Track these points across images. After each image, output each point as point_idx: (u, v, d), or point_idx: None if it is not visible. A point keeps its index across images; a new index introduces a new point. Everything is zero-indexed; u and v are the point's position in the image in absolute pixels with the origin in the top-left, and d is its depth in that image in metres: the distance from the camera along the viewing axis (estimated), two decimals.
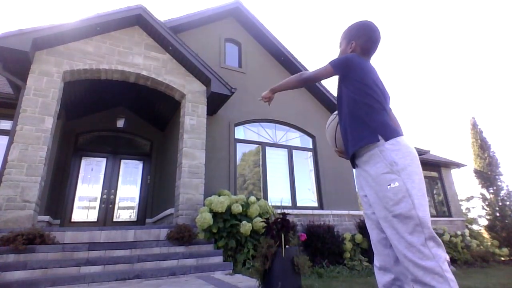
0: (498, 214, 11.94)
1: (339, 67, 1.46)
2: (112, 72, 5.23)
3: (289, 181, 6.85)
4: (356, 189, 7.90)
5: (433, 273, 1.06)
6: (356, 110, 1.38)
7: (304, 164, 7.35)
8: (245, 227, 4.42)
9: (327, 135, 1.73)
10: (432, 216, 9.98)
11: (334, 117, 1.67)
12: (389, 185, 1.19)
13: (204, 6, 10.12)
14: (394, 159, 1.22)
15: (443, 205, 10.71)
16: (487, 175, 12.66)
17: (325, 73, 1.49)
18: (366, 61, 1.53)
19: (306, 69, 7.83)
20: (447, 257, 1.12)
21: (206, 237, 4.38)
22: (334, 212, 6.84)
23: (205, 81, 5.81)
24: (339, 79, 1.51)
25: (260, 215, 4.78)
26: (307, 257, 2.91)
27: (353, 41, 1.61)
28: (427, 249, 1.09)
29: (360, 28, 1.60)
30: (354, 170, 1.50)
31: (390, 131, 1.30)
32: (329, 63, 1.49)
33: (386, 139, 1.28)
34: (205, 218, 4.31)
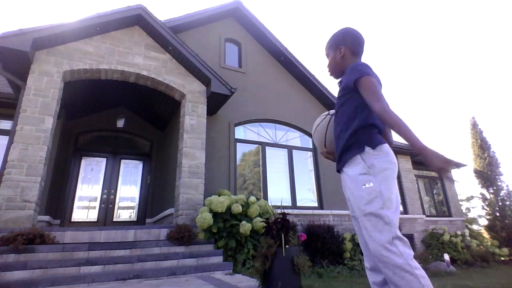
0: (498, 214, 11.95)
1: (375, 76, 1.44)
2: (112, 72, 5.24)
3: (289, 181, 6.84)
4: None
5: (404, 271, 1.09)
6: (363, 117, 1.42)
7: (304, 164, 7.35)
8: (245, 227, 4.42)
9: (316, 135, 1.69)
10: (432, 216, 10.00)
11: (324, 117, 1.66)
12: (364, 185, 1.25)
13: (204, 6, 10.13)
14: (373, 163, 1.28)
15: (443, 205, 10.71)
16: (487, 175, 12.67)
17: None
18: None
19: (306, 69, 7.83)
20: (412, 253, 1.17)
21: (206, 237, 4.37)
22: (334, 212, 6.84)
23: (205, 81, 5.81)
24: (353, 86, 1.42)
25: (260, 215, 4.78)
26: (307, 257, 2.91)
27: (341, 46, 1.59)
28: (395, 247, 1.13)
29: (345, 33, 1.61)
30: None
31: (377, 140, 1.35)
32: (368, 75, 1.37)
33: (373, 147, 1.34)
34: (205, 218, 4.31)
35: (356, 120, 1.38)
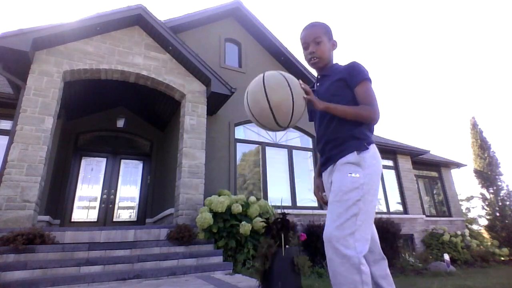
0: (498, 214, 11.95)
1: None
2: (112, 72, 5.24)
3: (289, 181, 6.84)
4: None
5: (350, 263, 1.11)
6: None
7: (304, 164, 7.35)
8: (245, 227, 4.42)
9: (279, 95, 1.25)
10: (432, 216, 9.99)
11: (279, 77, 1.31)
12: (351, 173, 1.26)
13: (204, 6, 10.14)
14: (365, 157, 1.30)
15: (443, 205, 10.70)
16: (487, 175, 12.67)
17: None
18: None
19: (306, 69, 7.83)
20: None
21: (206, 237, 4.37)
22: None
23: (205, 81, 5.81)
24: (350, 84, 1.41)
25: (260, 215, 4.78)
26: (307, 257, 2.90)
27: (333, 41, 1.56)
28: (352, 239, 1.14)
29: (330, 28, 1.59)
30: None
31: (371, 138, 1.40)
32: (367, 79, 1.38)
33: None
34: (205, 218, 4.31)
35: (346, 120, 1.37)
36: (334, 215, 1.21)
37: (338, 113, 1.33)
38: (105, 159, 7.31)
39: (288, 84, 1.27)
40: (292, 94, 1.26)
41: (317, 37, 1.49)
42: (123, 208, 7.15)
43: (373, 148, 1.36)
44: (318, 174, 1.63)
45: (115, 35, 5.39)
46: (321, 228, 5.85)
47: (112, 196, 7.03)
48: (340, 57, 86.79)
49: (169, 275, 3.43)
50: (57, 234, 3.77)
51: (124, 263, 3.54)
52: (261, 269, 2.75)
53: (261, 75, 1.32)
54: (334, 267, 1.15)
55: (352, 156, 1.31)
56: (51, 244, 3.55)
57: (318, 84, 1.55)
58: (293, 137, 7.42)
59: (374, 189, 1.28)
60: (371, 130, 1.42)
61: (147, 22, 5.50)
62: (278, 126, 1.31)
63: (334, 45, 1.55)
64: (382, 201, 9.14)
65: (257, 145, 6.81)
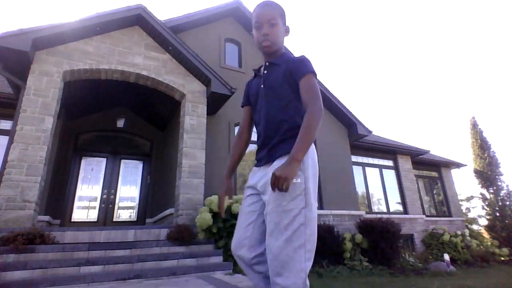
0: (498, 214, 11.94)
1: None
2: (112, 72, 5.24)
3: None
4: (356, 189, 7.92)
5: (299, 276, 1.04)
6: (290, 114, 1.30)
7: None
8: None
9: None
10: (432, 216, 10.00)
11: None
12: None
13: (204, 6, 10.15)
14: (303, 160, 1.18)
15: (443, 205, 10.71)
16: (487, 175, 12.66)
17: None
18: None
19: None
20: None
21: (206, 237, 4.37)
22: (334, 212, 6.84)
23: (205, 81, 5.81)
24: (295, 77, 1.30)
25: None
26: None
27: (287, 26, 1.43)
28: (302, 251, 1.07)
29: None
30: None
31: None
32: (312, 73, 1.29)
33: None
34: (205, 218, 4.31)
35: (295, 112, 1.28)
36: (280, 228, 1.09)
37: (307, 147, 1.15)
38: (105, 159, 7.31)
39: None
40: None
41: (272, 19, 1.34)
42: (123, 208, 7.15)
43: (311, 147, 1.23)
44: (229, 175, 1.49)
45: (115, 35, 5.39)
46: (321, 228, 5.86)
47: (112, 196, 7.03)
48: (340, 57, 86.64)
49: (169, 275, 3.43)
50: (57, 234, 3.77)
51: (124, 263, 3.54)
52: None
53: None
54: (282, 282, 1.05)
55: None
56: (51, 244, 3.55)
57: (266, 71, 1.39)
58: None
59: (315, 192, 1.19)
60: None
61: (147, 22, 5.50)
62: None
63: (287, 31, 1.44)
64: (382, 201, 9.14)
65: (257, 145, 6.80)
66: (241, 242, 1.28)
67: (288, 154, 1.13)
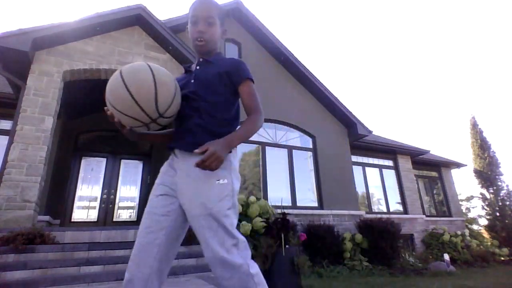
0: (498, 214, 11.95)
1: None
2: (112, 72, 5.23)
3: (289, 181, 6.85)
4: (356, 189, 7.92)
5: (241, 272, 1.04)
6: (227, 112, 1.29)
7: (304, 164, 7.35)
8: (245, 227, 4.42)
9: (136, 85, 1.07)
10: (432, 216, 10.01)
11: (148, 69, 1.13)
12: (219, 180, 1.11)
13: None
14: (230, 159, 1.17)
15: (443, 205, 10.71)
16: (487, 175, 12.66)
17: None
18: None
19: (306, 69, 7.83)
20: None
21: None
22: (334, 212, 6.84)
23: None
24: (233, 79, 1.30)
25: (260, 215, 4.78)
26: (307, 257, 2.91)
27: (224, 28, 1.42)
28: (235, 249, 1.07)
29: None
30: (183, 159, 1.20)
31: None
32: (251, 79, 1.32)
33: None
34: None
35: (229, 112, 1.28)
36: (211, 232, 1.06)
37: (243, 139, 1.17)
38: (105, 159, 7.31)
39: (150, 68, 1.12)
40: (153, 76, 1.10)
41: (210, 17, 1.32)
42: (123, 208, 7.14)
43: (235, 150, 1.24)
44: (141, 135, 1.33)
45: (115, 35, 5.39)
46: (321, 228, 5.86)
47: (112, 196, 7.02)
48: (340, 57, 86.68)
49: (169, 275, 3.42)
50: (57, 234, 3.77)
51: (124, 263, 3.54)
52: (261, 269, 2.75)
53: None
54: (227, 283, 1.04)
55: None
56: (51, 244, 3.55)
57: (198, 67, 1.35)
58: (293, 137, 7.43)
59: (237, 192, 1.18)
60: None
61: (147, 22, 5.50)
62: (146, 115, 1.09)
63: (224, 32, 1.43)
64: (382, 201, 9.15)
65: (257, 145, 6.81)
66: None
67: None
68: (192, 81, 1.29)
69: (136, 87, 1.06)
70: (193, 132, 1.20)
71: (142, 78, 1.09)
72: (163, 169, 1.28)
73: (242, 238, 1.11)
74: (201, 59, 1.36)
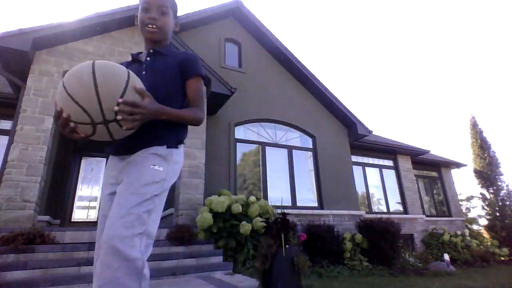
0: (498, 214, 11.94)
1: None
2: None
3: (289, 181, 6.85)
4: (356, 189, 7.92)
5: (133, 267, 0.94)
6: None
7: (304, 164, 7.35)
8: (245, 227, 4.42)
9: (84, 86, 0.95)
10: (432, 216, 10.01)
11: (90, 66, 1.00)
12: (154, 165, 1.11)
13: (204, 6, 10.15)
14: (172, 153, 1.18)
15: (443, 205, 10.71)
16: (487, 175, 12.65)
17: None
18: None
19: (306, 69, 7.83)
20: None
21: (206, 237, 4.37)
22: (334, 212, 6.84)
23: (205, 81, 5.81)
24: (184, 73, 1.28)
25: (260, 215, 4.78)
26: (307, 257, 2.92)
27: (177, 21, 1.41)
28: (139, 240, 0.99)
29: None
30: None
31: (184, 138, 1.30)
32: (202, 76, 1.31)
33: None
34: (205, 218, 4.31)
35: (181, 104, 1.26)
36: (123, 210, 0.99)
37: (173, 119, 1.15)
38: (105, 159, 7.31)
39: (128, 74, 1.04)
40: (127, 81, 1.01)
41: (163, 6, 1.29)
42: None
43: (182, 148, 1.26)
44: None
45: (115, 35, 5.39)
46: (321, 228, 5.86)
47: None
48: (340, 57, 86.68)
49: (169, 275, 3.43)
50: (57, 234, 3.77)
51: None
52: (261, 269, 2.75)
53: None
54: (110, 274, 0.91)
55: (161, 149, 1.15)
56: (51, 244, 3.55)
57: (148, 58, 1.30)
58: (293, 137, 7.43)
59: (169, 188, 1.17)
60: (187, 128, 1.30)
61: None
62: (101, 110, 0.95)
63: (177, 25, 1.42)
64: (382, 201, 9.15)
65: (257, 145, 6.81)
66: None
67: (154, 148, 1.14)
68: (144, 72, 1.26)
69: (104, 78, 0.96)
70: (145, 124, 1.12)
71: (116, 74, 1.00)
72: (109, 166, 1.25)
73: (151, 233, 1.04)
74: (151, 50, 1.31)
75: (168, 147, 1.17)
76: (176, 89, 1.25)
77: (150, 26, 1.27)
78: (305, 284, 3.24)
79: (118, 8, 5.27)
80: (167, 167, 1.15)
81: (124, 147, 1.18)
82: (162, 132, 1.18)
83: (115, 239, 0.94)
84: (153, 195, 1.07)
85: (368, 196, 8.89)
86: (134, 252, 0.95)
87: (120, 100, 0.96)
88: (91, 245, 3.69)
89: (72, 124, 0.96)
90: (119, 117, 0.97)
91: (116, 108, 0.95)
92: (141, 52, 1.38)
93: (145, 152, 1.14)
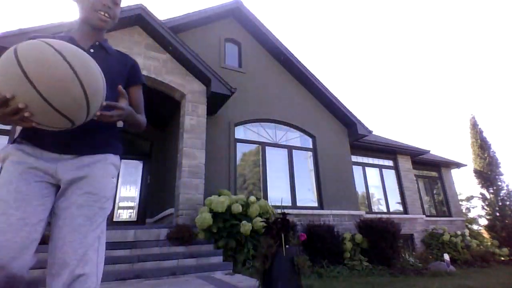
0: (498, 214, 11.94)
1: None
2: None
3: (289, 181, 6.85)
4: (356, 189, 7.92)
5: (92, 278, 0.97)
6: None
7: (304, 164, 7.35)
8: (245, 227, 4.42)
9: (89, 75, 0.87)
10: (432, 216, 10.01)
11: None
12: (113, 178, 1.12)
13: (204, 6, 10.15)
14: (118, 165, 1.17)
15: (443, 205, 10.71)
16: (487, 175, 12.65)
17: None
18: None
19: (306, 69, 7.83)
20: None
21: (206, 237, 4.37)
22: (334, 212, 6.84)
23: (205, 81, 5.81)
24: (131, 78, 1.28)
25: (260, 215, 4.78)
26: (307, 257, 2.91)
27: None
28: (103, 251, 1.04)
29: None
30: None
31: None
32: (144, 84, 1.34)
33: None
34: (205, 218, 4.31)
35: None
36: (94, 225, 1.00)
37: (133, 121, 1.15)
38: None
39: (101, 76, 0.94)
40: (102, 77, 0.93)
41: None
42: (123, 208, 7.15)
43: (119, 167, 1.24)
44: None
45: (115, 35, 5.39)
46: (321, 228, 5.86)
47: None
48: (340, 57, 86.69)
49: (169, 275, 3.43)
50: None
51: (124, 263, 3.54)
52: (261, 269, 2.75)
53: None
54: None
55: (116, 159, 1.14)
56: None
57: (92, 50, 1.19)
58: (293, 137, 7.43)
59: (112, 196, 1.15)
60: None
61: (147, 22, 5.50)
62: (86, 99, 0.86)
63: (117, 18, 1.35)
64: (382, 201, 9.15)
65: (257, 145, 6.81)
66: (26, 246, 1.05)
67: (113, 152, 1.13)
68: None
69: (82, 67, 0.86)
70: (95, 130, 1.09)
71: (93, 66, 0.91)
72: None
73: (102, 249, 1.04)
74: (97, 43, 1.21)
75: (120, 157, 1.18)
76: (116, 92, 1.15)
77: (103, 13, 1.16)
78: (305, 284, 3.24)
79: None
80: (115, 179, 1.15)
81: (69, 146, 1.05)
82: (115, 141, 1.17)
83: (89, 251, 0.97)
84: (108, 211, 1.07)
85: (368, 196, 8.89)
86: (100, 263, 1.02)
87: (104, 104, 0.94)
88: None
89: (27, 114, 0.80)
90: (98, 114, 0.93)
91: (98, 113, 0.93)
92: (73, 38, 1.20)
93: (104, 162, 1.10)
